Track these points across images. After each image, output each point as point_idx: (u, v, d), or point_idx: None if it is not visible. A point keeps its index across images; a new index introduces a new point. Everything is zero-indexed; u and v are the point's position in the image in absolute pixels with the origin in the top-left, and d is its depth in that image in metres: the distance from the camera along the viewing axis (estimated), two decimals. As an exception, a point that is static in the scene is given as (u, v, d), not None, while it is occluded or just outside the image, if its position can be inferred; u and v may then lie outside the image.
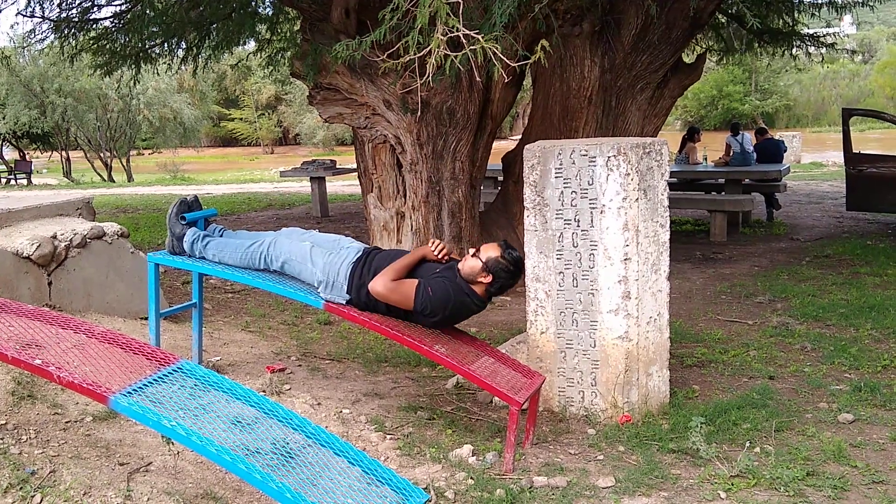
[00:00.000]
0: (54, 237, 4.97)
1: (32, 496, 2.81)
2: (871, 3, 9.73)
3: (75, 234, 5.07)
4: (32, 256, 4.80)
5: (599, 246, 3.91)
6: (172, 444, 3.22)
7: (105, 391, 2.65)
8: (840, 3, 9.86)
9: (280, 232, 4.16)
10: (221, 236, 4.23)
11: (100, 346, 3.03)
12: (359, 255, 3.89)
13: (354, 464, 2.72)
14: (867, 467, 3.44)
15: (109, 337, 3.10)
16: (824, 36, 11.11)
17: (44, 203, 5.58)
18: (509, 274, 3.80)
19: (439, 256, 3.91)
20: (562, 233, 4.00)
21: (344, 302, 3.85)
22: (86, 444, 3.30)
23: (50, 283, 4.94)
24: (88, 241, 5.13)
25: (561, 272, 4.03)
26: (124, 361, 2.93)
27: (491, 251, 3.80)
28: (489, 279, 3.77)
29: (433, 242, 3.93)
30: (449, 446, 3.73)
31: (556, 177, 3.98)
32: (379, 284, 3.70)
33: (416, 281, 3.72)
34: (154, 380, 2.82)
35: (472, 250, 3.84)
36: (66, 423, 3.46)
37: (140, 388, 2.74)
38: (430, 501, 3.12)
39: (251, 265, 4.07)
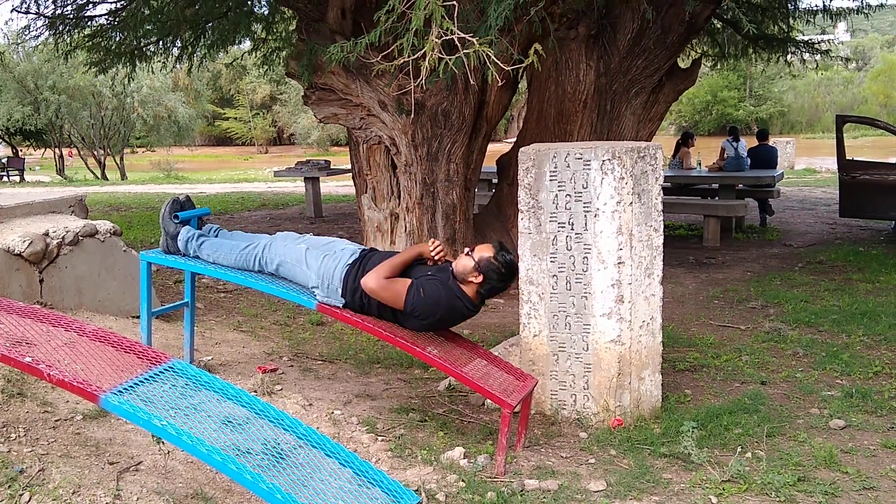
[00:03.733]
0: (46, 234, 4.95)
1: (21, 495, 2.80)
2: (866, 11, 9.78)
3: (67, 232, 5.04)
4: (24, 254, 4.78)
5: (593, 249, 3.91)
6: (163, 443, 3.21)
7: (96, 390, 2.63)
8: (835, 10, 9.89)
9: (276, 235, 4.14)
10: (217, 236, 4.22)
11: (91, 344, 3.01)
12: (354, 257, 3.85)
13: (345, 465, 2.70)
14: (858, 473, 3.44)
15: (100, 335, 3.08)
16: (819, 43, 11.14)
17: (36, 200, 5.55)
18: (500, 276, 3.73)
19: (436, 256, 3.85)
20: (556, 236, 4.00)
21: (340, 305, 3.83)
22: (75, 442, 3.28)
23: (41, 281, 4.92)
24: (81, 238, 5.11)
25: (554, 275, 4.02)
26: (115, 360, 2.91)
27: (485, 251, 3.74)
28: (480, 279, 3.71)
29: (432, 242, 3.88)
30: (440, 448, 3.72)
31: (550, 180, 3.98)
32: (371, 280, 3.65)
33: (408, 281, 3.68)
34: (145, 379, 2.81)
35: (466, 249, 3.81)
36: (56, 421, 3.45)
37: (131, 386, 2.73)
38: (421, 503, 3.12)
39: (246, 267, 4.05)
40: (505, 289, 3.85)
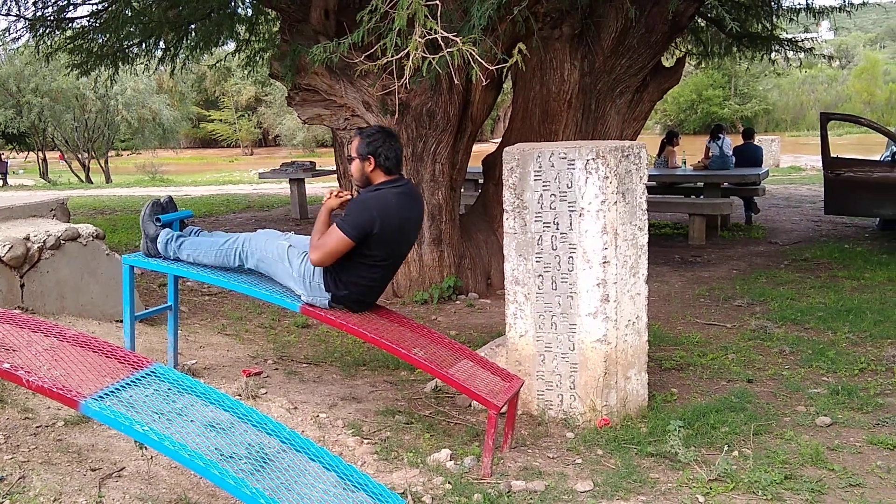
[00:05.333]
0: (27, 238, 4.89)
1: (1, 502, 2.76)
2: (849, 10, 9.84)
3: (49, 236, 4.99)
4: (4, 258, 4.73)
5: (578, 249, 3.90)
6: (145, 448, 3.17)
7: (76, 395, 2.60)
8: (818, 8, 9.95)
9: (257, 232, 4.12)
10: (197, 237, 4.19)
11: (72, 349, 2.98)
12: None
13: (329, 469, 2.68)
14: (844, 470, 3.45)
15: (82, 340, 3.05)
16: (802, 41, 11.20)
17: (17, 204, 5.50)
18: (381, 139, 3.78)
19: (342, 197, 3.89)
20: (541, 236, 3.99)
21: (327, 301, 3.82)
22: (57, 449, 3.25)
23: (22, 286, 4.87)
24: (62, 242, 5.06)
25: (540, 275, 4.01)
26: (97, 365, 2.88)
27: (353, 144, 3.82)
28: (373, 161, 3.77)
29: (330, 192, 3.92)
30: (427, 450, 3.70)
31: (535, 179, 3.97)
32: (312, 252, 3.72)
33: (333, 224, 3.73)
34: (127, 384, 2.77)
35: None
36: (37, 427, 3.41)
37: (112, 392, 2.70)
38: (408, 506, 3.10)
39: (226, 263, 4.03)
40: (398, 147, 3.85)
